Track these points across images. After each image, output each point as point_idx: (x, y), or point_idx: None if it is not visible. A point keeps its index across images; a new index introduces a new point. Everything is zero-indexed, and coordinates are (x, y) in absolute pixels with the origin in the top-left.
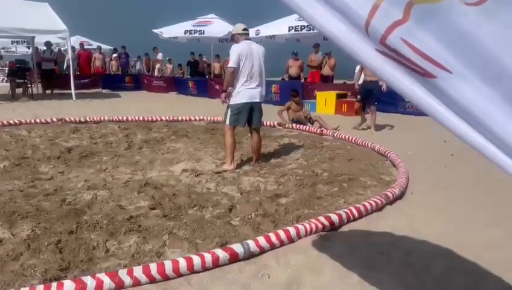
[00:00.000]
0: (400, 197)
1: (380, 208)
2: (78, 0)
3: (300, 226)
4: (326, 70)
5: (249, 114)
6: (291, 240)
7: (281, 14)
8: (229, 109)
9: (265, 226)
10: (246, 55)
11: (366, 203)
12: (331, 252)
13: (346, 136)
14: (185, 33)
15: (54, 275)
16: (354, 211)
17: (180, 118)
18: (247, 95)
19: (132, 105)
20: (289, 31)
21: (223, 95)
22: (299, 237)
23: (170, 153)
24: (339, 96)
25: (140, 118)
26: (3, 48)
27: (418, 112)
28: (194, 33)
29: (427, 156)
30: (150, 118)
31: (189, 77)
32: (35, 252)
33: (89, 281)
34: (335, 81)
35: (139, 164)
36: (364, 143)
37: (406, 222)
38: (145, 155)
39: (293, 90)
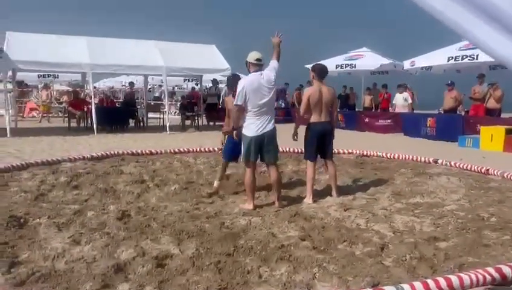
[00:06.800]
0: None
1: None
2: (242, 41)
3: (464, 276)
4: (491, 103)
5: (261, 146)
6: None
7: (438, 46)
8: (242, 143)
9: (422, 271)
10: (252, 90)
11: None
12: None
13: None
14: (336, 68)
15: None
16: None
17: None
18: (257, 127)
19: (283, 136)
20: (448, 61)
21: (234, 133)
22: (462, 287)
23: (319, 186)
24: (508, 132)
25: (290, 150)
26: (176, 85)
27: None
28: (345, 67)
29: None
30: (298, 150)
31: (339, 110)
32: (198, 269)
33: None
34: (502, 115)
35: (292, 195)
36: None
37: None
38: (294, 185)
39: None
